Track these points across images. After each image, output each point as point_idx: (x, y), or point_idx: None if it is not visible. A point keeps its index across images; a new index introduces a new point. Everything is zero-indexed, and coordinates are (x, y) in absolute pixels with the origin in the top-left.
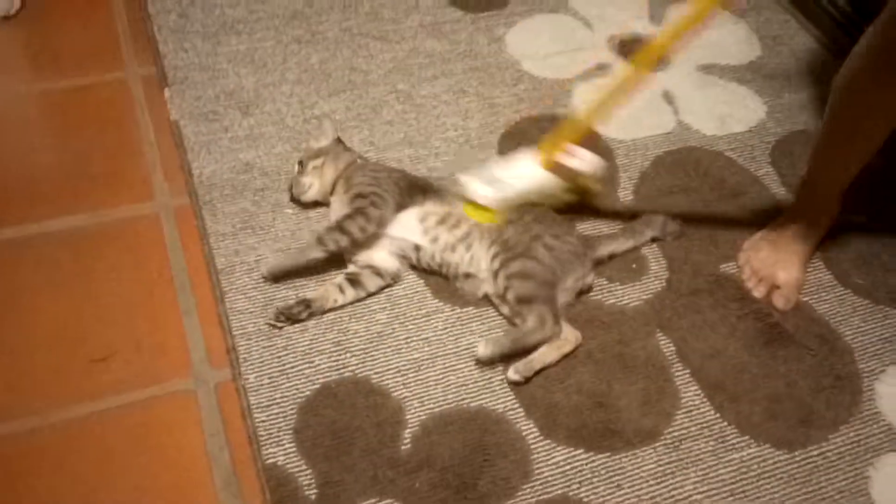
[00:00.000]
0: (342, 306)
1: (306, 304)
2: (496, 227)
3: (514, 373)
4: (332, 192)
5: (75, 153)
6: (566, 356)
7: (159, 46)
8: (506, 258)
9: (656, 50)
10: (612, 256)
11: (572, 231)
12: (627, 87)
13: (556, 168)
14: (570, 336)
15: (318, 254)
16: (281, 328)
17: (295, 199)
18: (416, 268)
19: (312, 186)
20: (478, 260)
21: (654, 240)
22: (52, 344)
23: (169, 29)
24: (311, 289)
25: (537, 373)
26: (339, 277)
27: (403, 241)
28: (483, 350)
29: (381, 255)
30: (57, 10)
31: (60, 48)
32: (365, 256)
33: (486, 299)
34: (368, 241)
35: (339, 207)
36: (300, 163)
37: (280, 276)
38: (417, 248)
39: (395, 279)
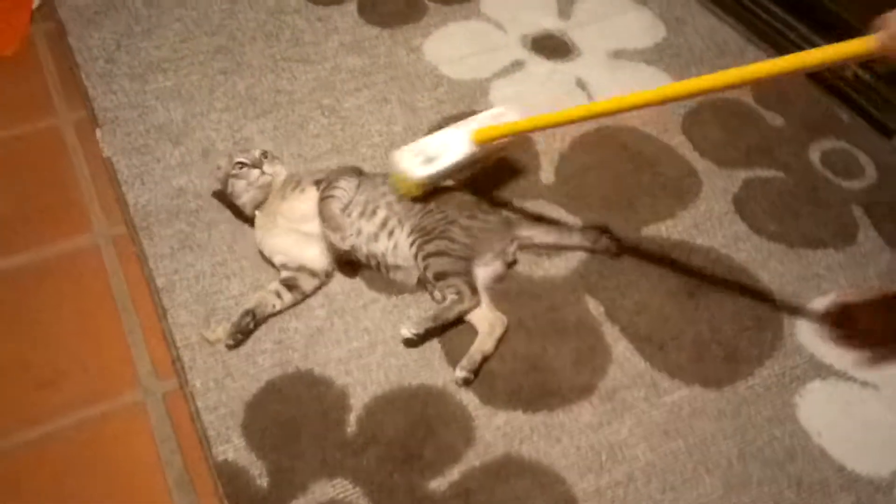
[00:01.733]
0: (280, 311)
1: (251, 313)
2: (415, 213)
3: (460, 371)
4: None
5: (12, 197)
6: (500, 340)
7: (88, 91)
8: (423, 241)
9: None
10: (534, 243)
11: (491, 211)
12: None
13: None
14: (497, 321)
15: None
16: (240, 345)
17: (235, 198)
18: (351, 263)
19: (272, 178)
20: (402, 248)
21: (582, 247)
22: (0, 374)
23: (97, 74)
24: (246, 297)
25: (481, 364)
26: (274, 283)
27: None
28: (406, 331)
29: (312, 254)
30: None
31: None
32: (296, 258)
33: (421, 286)
34: (299, 242)
35: (290, 208)
36: (264, 153)
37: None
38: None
39: (328, 276)
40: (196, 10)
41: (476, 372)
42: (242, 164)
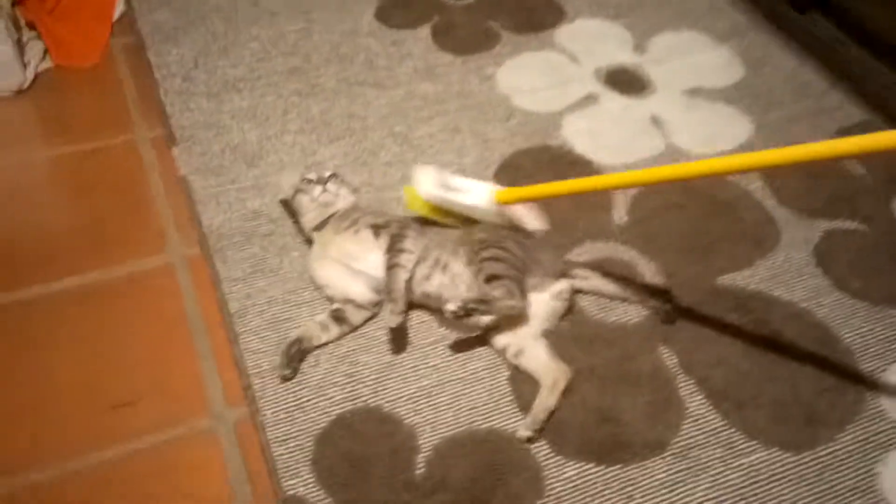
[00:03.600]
0: (326, 343)
1: (297, 343)
2: (469, 239)
3: (524, 430)
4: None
5: (88, 213)
6: (564, 392)
7: (166, 108)
8: (479, 249)
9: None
10: (592, 289)
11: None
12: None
13: (505, 208)
14: (561, 374)
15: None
16: (293, 376)
17: (298, 214)
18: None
19: (334, 199)
20: (459, 277)
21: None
22: (74, 394)
23: (175, 92)
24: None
25: (546, 421)
26: (321, 315)
27: (379, 280)
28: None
29: (358, 289)
30: (67, 83)
31: (71, 117)
32: (342, 291)
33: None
34: (345, 277)
35: (342, 243)
36: (333, 175)
37: None
38: None
39: (378, 307)
40: (272, 30)
41: (540, 431)
42: (309, 181)
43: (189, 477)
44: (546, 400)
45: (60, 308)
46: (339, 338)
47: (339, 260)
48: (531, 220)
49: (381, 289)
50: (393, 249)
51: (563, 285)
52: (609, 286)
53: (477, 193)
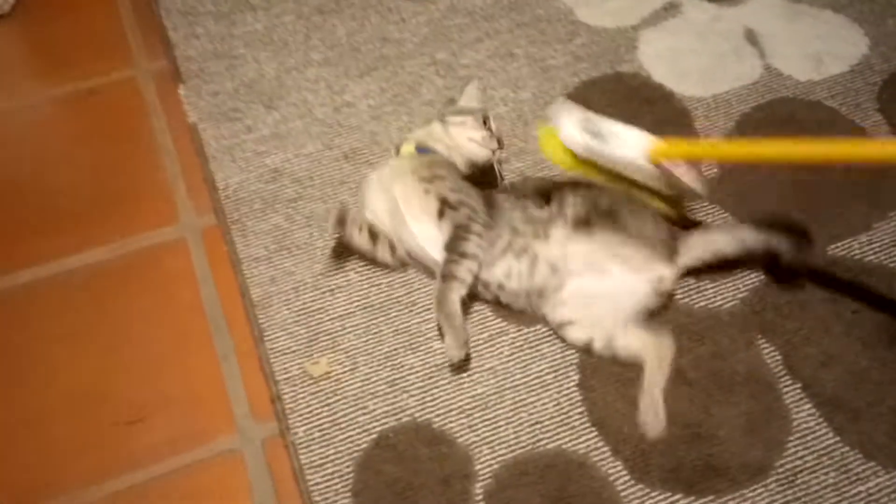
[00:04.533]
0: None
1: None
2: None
3: (649, 429)
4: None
5: (88, 171)
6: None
7: (169, 34)
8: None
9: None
10: (702, 257)
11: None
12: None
13: (662, 167)
14: (665, 348)
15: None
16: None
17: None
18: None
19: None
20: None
21: (766, 256)
22: (77, 408)
23: (178, 11)
24: (353, 317)
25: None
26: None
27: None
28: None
29: (401, 239)
30: (53, 4)
31: (60, 48)
32: (381, 224)
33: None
34: (391, 218)
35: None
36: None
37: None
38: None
39: (405, 269)
40: None
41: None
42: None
43: None
44: (654, 382)
45: (58, 295)
46: (364, 252)
47: (397, 199)
48: (693, 180)
49: (418, 256)
50: (453, 250)
51: (667, 271)
52: (723, 239)
53: (632, 144)
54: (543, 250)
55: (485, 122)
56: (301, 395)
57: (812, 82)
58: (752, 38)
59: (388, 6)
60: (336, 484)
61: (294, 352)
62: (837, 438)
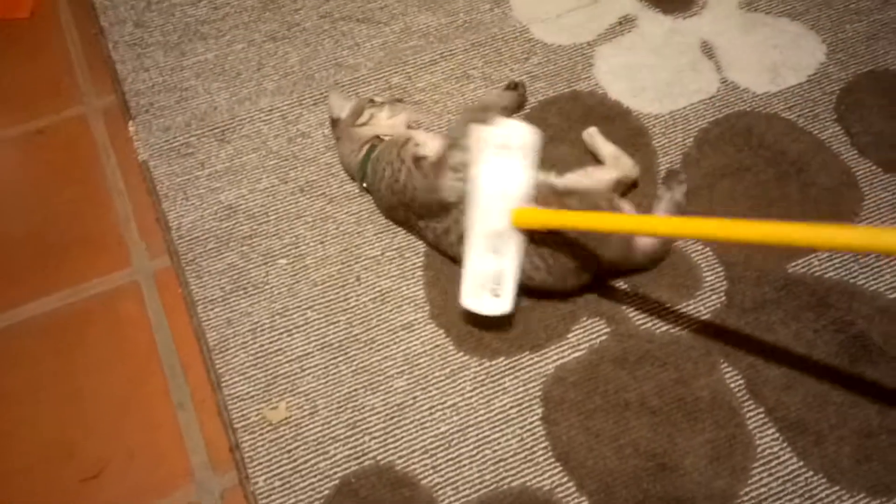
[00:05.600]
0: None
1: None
2: None
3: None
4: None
5: (39, 217)
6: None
7: (117, 68)
8: None
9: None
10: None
11: None
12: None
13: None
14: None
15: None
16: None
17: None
18: None
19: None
20: None
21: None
22: (36, 464)
23: (126, 43)
24: (312, 358)
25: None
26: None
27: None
28: None
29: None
30: (0, 36)
31: (8, 85)
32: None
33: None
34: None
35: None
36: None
37: None
38: None
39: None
40: None
41: None
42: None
43: None
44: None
45: (15, 346)
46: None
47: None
48: None
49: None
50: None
51: None
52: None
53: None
54: None
55: (372, 102)
56: (260, 443)
57: (769, 94)
58: (708, 51)
59: (341, 31)
60: None
61: (252, 397)
62: (801, 463)
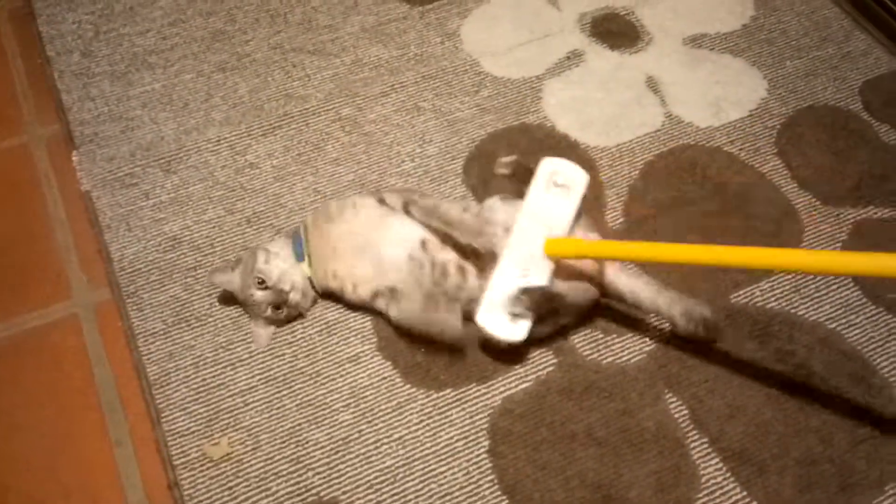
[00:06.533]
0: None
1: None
2: None
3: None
4: None
5: None
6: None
7: (62, 96)
8: None
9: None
10: (620, 295)
11: None
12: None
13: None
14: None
15: None
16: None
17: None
18: None
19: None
20: None
21: (668, 324)
22: None
23: (71, 73)
24: (256, 392)
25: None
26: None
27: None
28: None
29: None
30: None
31: None
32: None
33: None
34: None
35: None
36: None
37: None
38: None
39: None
40: None
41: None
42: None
43: None
44: None
45: None
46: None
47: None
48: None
49: None
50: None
51: None
52: (645, 293)
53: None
54: None
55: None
56: (200, 480)
57: (712, 128)
58: (653, 85)
59: (291, 62)
60: None
61: (193, 432)
62: (745, 493)
